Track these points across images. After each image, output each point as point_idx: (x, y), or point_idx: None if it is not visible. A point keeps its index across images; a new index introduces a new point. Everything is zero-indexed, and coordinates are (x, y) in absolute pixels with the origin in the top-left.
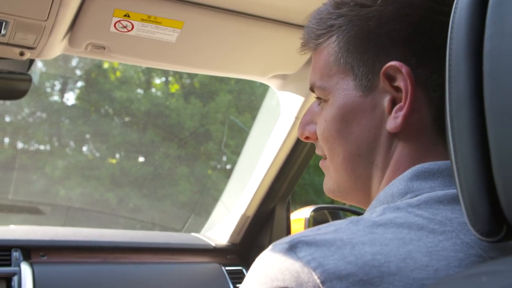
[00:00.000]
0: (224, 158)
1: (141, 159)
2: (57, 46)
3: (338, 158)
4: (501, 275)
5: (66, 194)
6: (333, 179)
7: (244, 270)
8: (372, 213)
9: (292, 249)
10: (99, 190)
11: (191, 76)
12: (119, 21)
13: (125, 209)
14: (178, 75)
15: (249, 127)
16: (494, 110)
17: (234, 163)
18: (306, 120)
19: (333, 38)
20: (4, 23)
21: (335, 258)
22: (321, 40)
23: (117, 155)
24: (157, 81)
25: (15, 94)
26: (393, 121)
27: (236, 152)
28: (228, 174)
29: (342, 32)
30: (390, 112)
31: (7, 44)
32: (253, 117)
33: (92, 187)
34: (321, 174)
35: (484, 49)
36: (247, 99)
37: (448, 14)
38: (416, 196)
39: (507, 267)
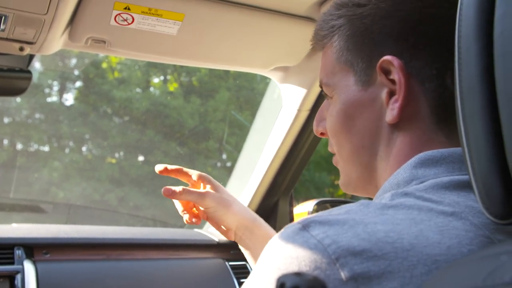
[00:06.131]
0: (224, 156)
1: (141, 158)
2: (57, 40)
3: (345, 151)
4: None
5: (68, 193)
6: (344, 173)
7: (247, 265)
8: (382, 199)
9: (305, 228)
10: (99, 190)
11: (189, 74)
12: (119, 14)
13: (126, 207)
14: (177, 74)
15: (250, 123)
16: (506, 92)
17: (234, 160)
18: (319, 116)
19: (335, 37)
20: (3, 18)
21: (348, 235)
22: (326, 40)
23: (117, 155)
24: (156, 80)
25: (15, 91)
26: (390, 113)
27: (237, 148)
28: (228, 171)
29: (342, 32)
30: (388, 104)
31: (7, 39)
32: (253, 114)
33: (92, 187)
34: (321, 170)
35: (494, 29)
36: (247, 96)
37: (439, 6)
38: (421, 182)
39: None
